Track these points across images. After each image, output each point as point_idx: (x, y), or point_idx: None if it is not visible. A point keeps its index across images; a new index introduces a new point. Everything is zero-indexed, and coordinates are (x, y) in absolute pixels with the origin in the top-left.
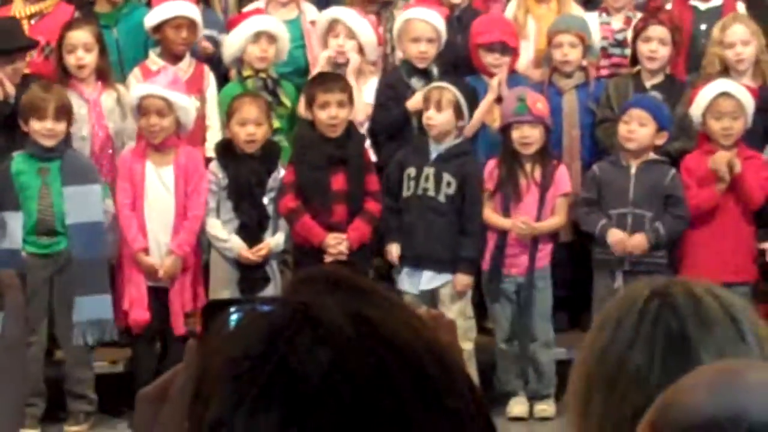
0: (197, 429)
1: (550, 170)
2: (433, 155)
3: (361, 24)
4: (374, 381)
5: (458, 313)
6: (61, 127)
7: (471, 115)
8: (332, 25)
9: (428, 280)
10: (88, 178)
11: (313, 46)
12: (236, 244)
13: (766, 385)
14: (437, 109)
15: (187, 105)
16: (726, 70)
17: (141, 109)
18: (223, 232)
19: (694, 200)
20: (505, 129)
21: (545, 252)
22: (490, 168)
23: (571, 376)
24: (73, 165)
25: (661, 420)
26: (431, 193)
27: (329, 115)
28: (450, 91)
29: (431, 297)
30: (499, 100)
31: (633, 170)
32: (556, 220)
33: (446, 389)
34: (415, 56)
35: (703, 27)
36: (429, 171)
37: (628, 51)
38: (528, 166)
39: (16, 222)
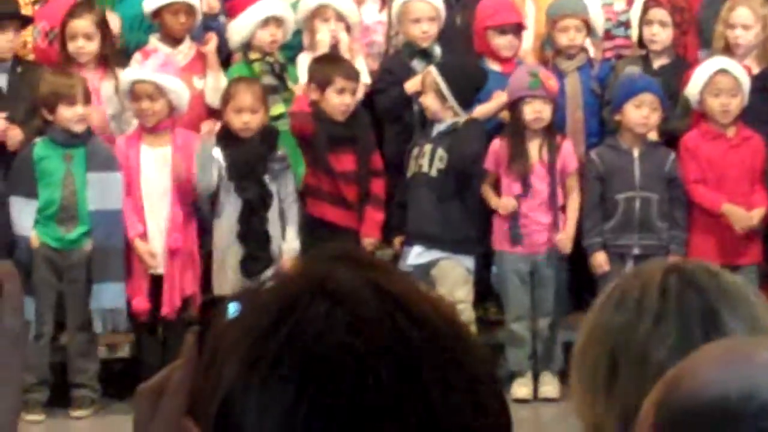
0: (209, 402)
1: (556, 146)
2: (434, 134)
3: (349, 6)
4: (392, 346)
5: (457, 295)
6: (89, 110)
7: (472, 93)
8: (320, 10)
9: (416, 255)
10: (111, 165)
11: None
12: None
13: None
14: (425, 92)
15: (178, 88)
16: (728, 50)
17: (133, 94)
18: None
19: (699, 198)
20: (514, 104)
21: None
22: (495, 147)
23: (582, 356)
24: (97, 152)
25: (667, 398)
26: (425, 168)
27: (344, 101)
28: (431, 75)
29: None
30: None
31: (636, 154)
32: (575, 203)
33: (462, 357)
34: (418, 36)
35: (710, 6)
36: (426, 148)
37: (631, 32)
38: (535, 143)
39: (29, 209)
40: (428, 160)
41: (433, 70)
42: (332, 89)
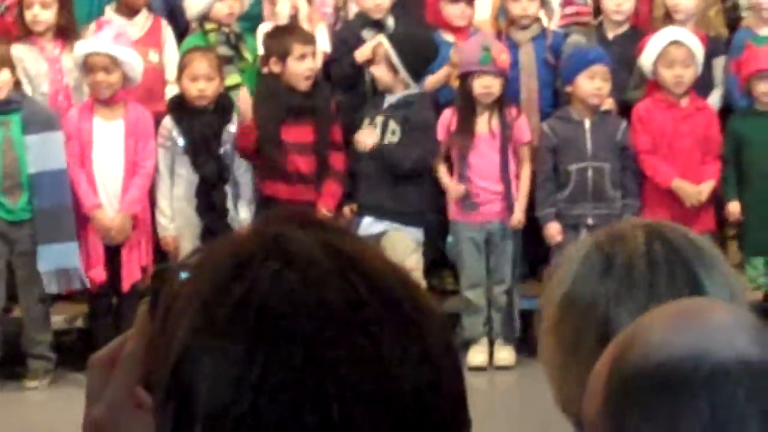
0: (162, 366)
1: (509, 119)
2: (385, 106)
3: None
4: (344, 306)
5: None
6: (4, 77)
7: (424, 65)
8: None
9: (367, 226)
10: (49, 126)
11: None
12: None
13: (729, 325)
14: (376, 63)
15: (132, 60)
16: (669, 17)
17: (87, 66)
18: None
19: (650, 171)
20: (464, 77)
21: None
22: (446, 117)
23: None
24: (33, 114)
25: (619, 360)
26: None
27: (307, 66)
28: (382, 47)
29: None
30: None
31: (588, 124)
32: (527, 175)
33: (416, 317)
34: (371, 8)
35: None
36: (378, 119)
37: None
38: (486, 115)
39: None
40: (380, 131)
41: (384, 41)
42: (292, 58)
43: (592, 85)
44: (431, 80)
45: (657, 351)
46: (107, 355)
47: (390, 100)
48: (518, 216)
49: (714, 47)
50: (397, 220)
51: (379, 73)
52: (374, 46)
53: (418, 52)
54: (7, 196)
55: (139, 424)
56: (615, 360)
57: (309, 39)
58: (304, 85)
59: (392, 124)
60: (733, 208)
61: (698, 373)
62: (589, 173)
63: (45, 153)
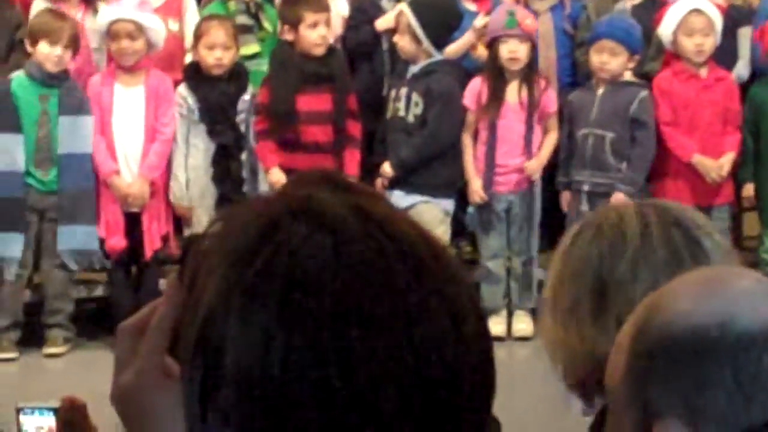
0: (190, 327)
1: (537, 90)
2: (408, 76)
3: None
4: (374, 269)
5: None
6: (68, 56)
7: (447, 33)
8: None
9: (397, 198)
10: (83, 109)
11: None
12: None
13: (754, 292)
14: (399, 33)
15: (156, 26)
16: None
17: (111, 33)
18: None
19: (671, 143)
20: (492, 44)
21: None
22: (475, 87)
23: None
24: (70, 94)
25: (645, 325)
26: (402, 113)
27: (319, 34)
28: (405, 16)
29: None
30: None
31: (599, 92)
32: (552, 140)
33: (445, 282)
34: None
35: None
36: (402, 91)
37: None
38: (515, 84)
39: (16, 144)
40: (404, 104)
41: (406, 9)
42: (304, 26)
43: (599, 58)
44: (452, 48)
45: (682, 319)
46: (136, 322)
47: (413, 70)
48: (534, 165)
49: (739, 17)
50: (427, 192)
51: (402, 42)
52: (396, 14)
53: (441, 21)
54: (39, 168)
55: (166, 391)
56: (639, 327)
57: (321, 6)
58: (316, 51)
59: (415, 96)
60: (747, 191)
61: (723, 340)
62: (590, 140)
63: (74, 135)
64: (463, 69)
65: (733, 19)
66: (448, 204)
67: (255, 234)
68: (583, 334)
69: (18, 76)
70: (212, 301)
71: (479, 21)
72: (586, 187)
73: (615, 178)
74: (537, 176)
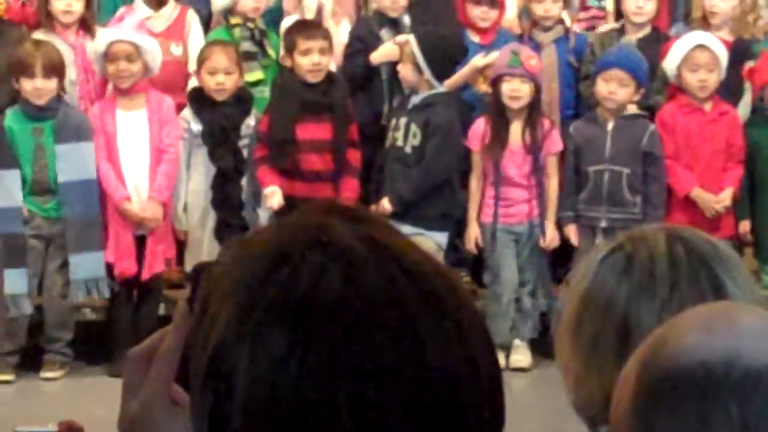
0: (201, 353)
1: (541, 130)
2: (409, 106)
3: None
4: (387, 300)
5: None
6: (50, 85)
7: (450, 66)
8: None
9: None
10: (82, 135)
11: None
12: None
13: (759, 329)
14: (402, 62)
15: (154, 50)
16: (707, 20)
17: (109, 55)
18: None
19: (672, 177)
20: (495, 83)
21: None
22: (479, 127)
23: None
24: (66, 123)
25: (651, 360)
26: (399, 143)
27: (311, 61)
28: (409, 45)
29: None
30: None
31: (610, 126)
32: (554, 189)
33: (457, 312)
34: (388, 6)
35: None
36: (402, 121)
37: (605, 2)
38: (518, 125)
39: (13, 179)
40: (403, 134)
41: (411, 40)
42: (297, 52)
43: (606, 88)
44: (451, 81)
45: (688, 354)
46: (145, 349)
47: (414, 100)
48: (550, 236)
49: (744, 51)
50: (420, 225)
51: (405, 71)
52: (401, 44)
53: (445, 54)
54: (37, 197)
55: (175, 419)
56: (645, 362)
57: (315, 33)
58: (310, 78)
59: (413, 127)
60: (744, 227)
61: (729, 377)
62: (606, 176)
63: (76, 162)
64: (464, 102)
65: (740, 53)
66: (442, 237)
67: (267, 263)
68: (603, 370)
69: (12, 111)
70: (224, 329)
71: (479, 60)
72: (603, 224)
73: (635, 213)
74: (556, 243)
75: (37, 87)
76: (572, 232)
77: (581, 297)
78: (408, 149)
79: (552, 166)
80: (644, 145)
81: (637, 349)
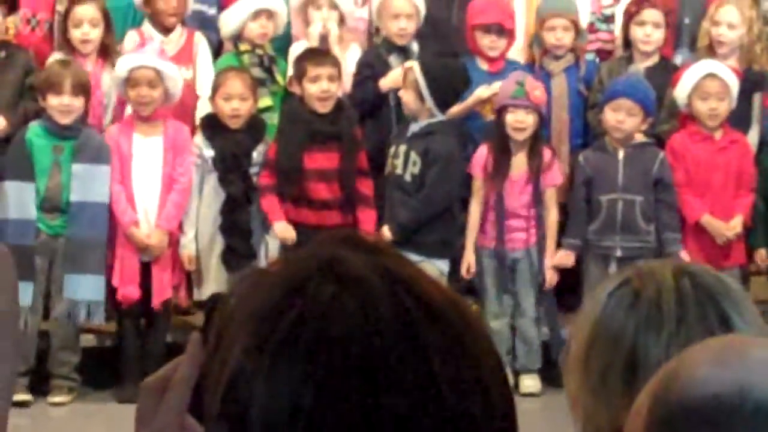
0: (216, 386)
1: (542, 160)
2: (409, 134)
3: None
4: (400, 331)
5: None
6: (78, 103)
7: (452, 95)
8: None
9: None
10: (100, 158)
11: (294, 25)
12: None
13: None
14: (405, 88)
15: (175, 75)
16: (712, 48)
17: (131, 81)
18: None
19: (682, 205)
20: (500, 112)
21: (542, 229)
22: (481, 156)
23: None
24: (87, 144)
25: (663, 392)
26: (399, 171)
27: (320, 88)
28: (413, 72)
29: None
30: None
31: (621, 155)
32: (553, 219)
33: (469, 342)
34: (395, 33)
35: (687, 5)
36: (401, 149)
37: (614, 27)
38: (521, 155)
39: (29, 192)
40: (402, 162)
41: (415, 66)
42: (306, 80)
43: (615, 117)
44: (455, 109)
45: (700, 386)
46: (159, 379)
47: (414, 128)
48: (550, 276)
49: (754, 82)
50: (422, 252)
51: (407, 98)
52: (405, 69)
53: (448, 83)
54: (46, 214)
55: None
56: (657, 394)
57: (323, 61)
58: (319, 107)
59: (413, 155)
60: (761, 256)
61: (742, 410)
62: (620, 205)
63: (89, 184)
64: (465, 131)
65: (750, 83)
66: (443, 264)
67: (281, 294)
68: (612, 403)
69: (35, 124)
70: (239, 359)
71: (483, 91)
72: (618, 253)
73: (649, 241)
74: (554, 281)
75: (65, 104)
76: (567, 259)
77: (590, 330)
78: (408, 177)
79: (551, 198)
80: (655, 173)
81: (648, 382)
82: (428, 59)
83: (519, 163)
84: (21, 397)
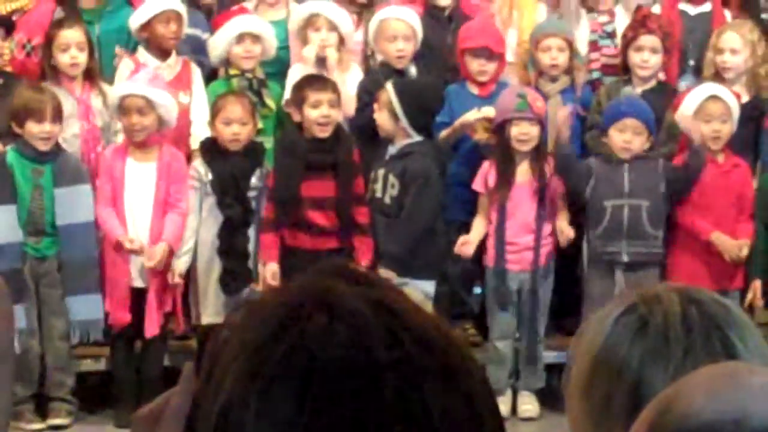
0: (208, 416)
1: (547, 171)
2: (387, 157)
3: (341, 15)
4: (392, 362)
5: None
6: (57, 129)
7: (426, 115)
8: (312, 20)
9: None
10: (79, 178)
11: (292, 47)
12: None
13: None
14: (378, 109)
15: (168, 103)
16: (719, 76)
17: (122, 108)
18: None
19: (687, 224)
20: (502, 126)
21: (548, 249)
22: (484, 170)
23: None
24: (65, 166)
25: (659, 421)
26: (378, 194)
27: (321, 114)
28: (387, 93)
29: None
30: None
31: (626, 164)
32: (564, 217)
33: (461, 373)
34: (393, 56)
35: (692, 32)
36: (380, 172)
37: (618, 41)
38: (525, 165)
39: (11, 215)
40: (381, 185)
41: (389, 87)
42: (307, 105)
43: (622, 137)
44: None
45: (696, 416)
46: (151, 411)
47: (391, 151)
48: (566, 231)
49: (764, 109)
50: (406, 274)
51: (381, 119)
52: (379, 92)
53: (422, 103)
54: (30, 237)
55: None
56: (654, 422)
57: (324, 87)
58: (319, 132)
59: (391, 178)
60: (756, 287)
61: None
62: (626, 210)
63: (73, 205)
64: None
65: (758, 111)
66: (429, 286)
67: (274, 325)
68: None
69: (12, 149)
70: (231, 390)
71: (471, 114)
72: (625, 258)
73: (654, 246)
74: (571, 234)
75: (46, 131)
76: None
77: (593, 358)
78: (387, 200)
79: (562, 206)
80: (662, 171)
81: (642, 411)
82: (402, 81)
83: (523, 173)
84: (33, 425)
